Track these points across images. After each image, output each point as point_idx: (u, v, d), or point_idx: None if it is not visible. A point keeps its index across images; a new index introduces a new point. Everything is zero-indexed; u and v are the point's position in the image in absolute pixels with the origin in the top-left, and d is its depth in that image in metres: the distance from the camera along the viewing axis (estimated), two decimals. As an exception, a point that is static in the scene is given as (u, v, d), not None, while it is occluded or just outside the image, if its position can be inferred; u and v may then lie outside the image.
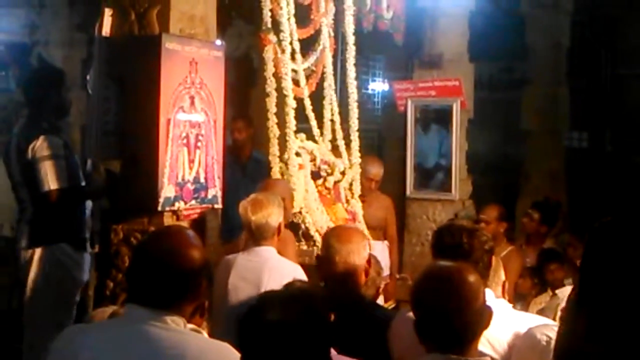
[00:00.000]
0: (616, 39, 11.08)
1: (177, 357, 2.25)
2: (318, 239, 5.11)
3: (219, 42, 4.85)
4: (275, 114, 5.33)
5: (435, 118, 7.54)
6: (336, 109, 5.99)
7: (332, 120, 5.95)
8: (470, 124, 7.72)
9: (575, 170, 10.12)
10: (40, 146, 4.76)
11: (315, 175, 5.61)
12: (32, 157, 4.75)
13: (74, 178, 4.86)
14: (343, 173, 5.88)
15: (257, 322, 2.16)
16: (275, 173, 5.36)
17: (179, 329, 2.32)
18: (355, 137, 6.07)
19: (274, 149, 5.37)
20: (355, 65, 6.18)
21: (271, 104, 5.32)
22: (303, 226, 5.29)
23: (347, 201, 5.95)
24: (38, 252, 4.85)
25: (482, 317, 2.39)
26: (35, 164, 4.74)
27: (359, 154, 6.10)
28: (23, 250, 4.90)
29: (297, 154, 5.45)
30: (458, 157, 7.43)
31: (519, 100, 9.90)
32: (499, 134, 10.76)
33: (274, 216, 4.15)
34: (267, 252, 4.14)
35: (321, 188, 5.64)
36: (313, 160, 5.61)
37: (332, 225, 5.33)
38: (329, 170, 5.73)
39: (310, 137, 5.75)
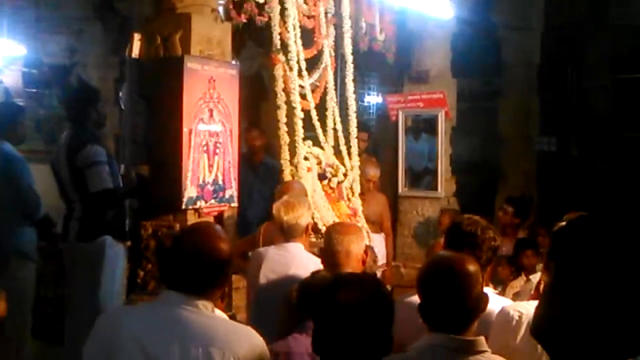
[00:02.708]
0: (580, 56, 11.05)
1: (206, 339, 2.26)
2: None
3: (234, 62, 4.85)
4: (285, 123, 5.36)
5: (424, 127, 7.53)
6: (338, 119, 6.00)
7: (334, 129, 5.95)
8: (453, 131, 7.70)
9: (545, 170, 10.09)
10: (87, 154, 4.83)
11: (321, 177, 5.61)
12: (81, 164, 4.82)
13: (116, 181, 4.93)
14: (345, 174, 5.87)
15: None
16: (287, 175, 5.36)
17: (208, 313, 2.33)
18: (354, 143, 6.06)
19: (285, 154, 5.38)
20: (353, 81, 6.19)
21: (281, 115, 5.35)
22: (312, 221, 5.28)
23: (349, 199, 5.94)
24: (86, 245, 4.88)
25: (479, 302, 2.39)
26: (83, 169, 4.81)
27: (357, 158, 6.09)
28: (72, 243, 4.92)
29: (306, 158, 5.46)
30: (443, 161, 7.43)
31: (496, 110, 9.87)
32: (478, 139, 10.73)
33: (303, 218, 4.11)
34: (295, 248, 4.10)
35: (326, 188, 5.64)
36: (319, 163, 5.61)
37: (337, 220, 5.34)
38: (333, 172, 5.72)
39: (317, 143, 5.76)
